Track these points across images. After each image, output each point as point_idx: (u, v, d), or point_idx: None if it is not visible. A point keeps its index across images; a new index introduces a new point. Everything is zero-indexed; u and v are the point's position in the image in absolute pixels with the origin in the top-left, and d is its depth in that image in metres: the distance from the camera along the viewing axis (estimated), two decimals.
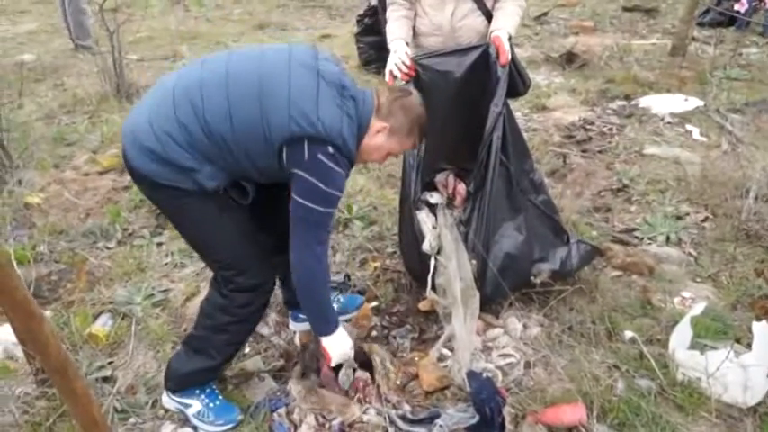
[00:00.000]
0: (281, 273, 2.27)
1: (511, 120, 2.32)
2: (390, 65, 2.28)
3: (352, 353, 2.01)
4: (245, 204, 1.84)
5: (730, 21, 6.31)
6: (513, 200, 2.30)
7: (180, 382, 2.00)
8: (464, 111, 2.32)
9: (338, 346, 1.94)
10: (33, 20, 8.81)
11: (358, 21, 5.70)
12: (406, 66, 2.24)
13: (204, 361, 1.96)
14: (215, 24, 7.97)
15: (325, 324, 1.92)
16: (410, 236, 2.35)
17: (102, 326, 2.42)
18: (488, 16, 2.36)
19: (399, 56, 2.25)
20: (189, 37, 7.28)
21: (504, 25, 2.24)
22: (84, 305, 2.56)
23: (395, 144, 1.85)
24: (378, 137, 1.81)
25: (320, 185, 1.67)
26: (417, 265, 2.37)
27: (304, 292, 1.84)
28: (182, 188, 1.70)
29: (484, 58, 2.21)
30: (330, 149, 1.66)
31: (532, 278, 2.33)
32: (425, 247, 2.27)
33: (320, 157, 1.65)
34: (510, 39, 2.23)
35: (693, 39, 5.82)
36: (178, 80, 1.73)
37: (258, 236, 1.94)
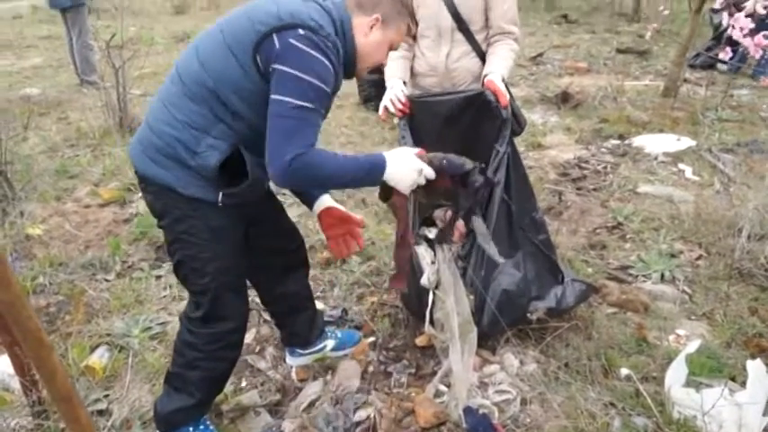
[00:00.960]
0: (278, 321, 2.32)
1: (516, 160, 2.36)
2: (385, 100, 2.35)
3: (422, 174, 1.72)
4: (249, 185, 1.67)
5: (721, 63, 6.49)
6: (514, 237, 2.33)
7: (166, 423, 1.97)
8: (458, 151, 2.38)
9: (400, 177, 1.70)
10: (39, 54, 9.00)
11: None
12: (401, 102, 2.31)
13: (185, 399, 1.93)
14: None
15: (367, 175, 1.68)
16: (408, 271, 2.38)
17: (98, 358, 2.42)
18: (483, 58, 2.44)
19: (395, 92, 2.32)
20: None
21: (498, 68, 2.31)
22: (81, 337, 2.56)
23: (393, 33, 1.75)
24: (374, 33, 1.71)
25: (296, 72, 1.51)
26: (415, 300, 2.39)
27: (311, 187, 1.75)
28: (185, 195, 1.67)
29: (478, 101, 2.27)
30: (300, 31, 1.53)
31: (529, 315, 2.35)
32: (424, 281, 2.29)
33: (291, 41, 1.52)
34: (504, 81, 2.30)
35: (685, 80, 5.98)
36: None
37: (244, 278, 1.96)
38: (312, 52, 1.53)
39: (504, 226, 2.29)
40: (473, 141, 2.30)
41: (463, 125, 2.32)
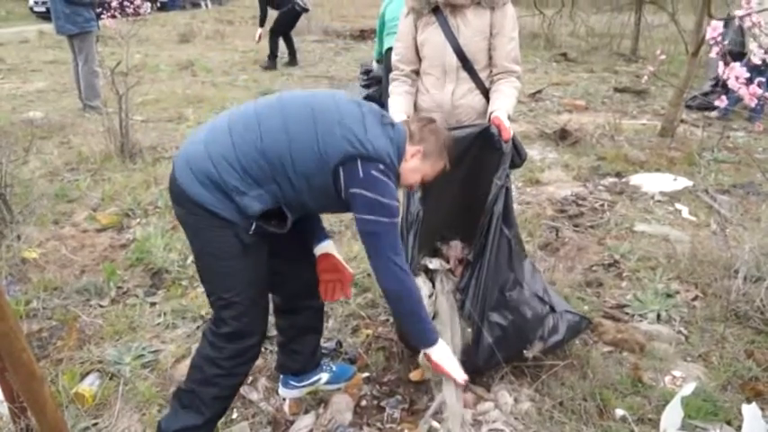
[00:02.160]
0: (284, 336, 2.30)
1: (510, 194, 2.39)
2: None
3: (453, 376, 2.03)
4: (282, 232, 1.85)
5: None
6: (514, 271, 2.33)
7: None
8: (461, 184, 2.40)
9: (446, 355, 2.00)
10: (44, 78, 9.08)
11: (363, 86, 5.85)
12: None
13: (193, 417, 1.93)
14: (220, 90, 8.22)
15: (422, 337, 2.00)
16: None
17: (89, 385, 2.39)
18: (486, 95, 2.48)
19: None
20: (195, 100, 7.51)
21: (502, 106, 2.35)
22: (72, 363, 2.54)
23: (428, 167, 2.00)
24: (413, 161, 1.94)
25: (380, 198, 1.78)
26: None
27: (397, 305, 1.96)
28: (220, 216, 1.76)
29: (483, 136, 2.30)
30: (381, 166, 1.80)
31: (525, 352, 2.33)
32: None
33: (374, 173, 1.78)
34: (508, 118, 2.34)
35: (682, 121, 6.05)
36: (231, 115, 1.88)
37: (268, 292, 2.02)
38: (388, 182, 1.82)
39: (504, 259, 2.29)
40: (476, 174, 2.33)
41: (468, 159, 2.35)
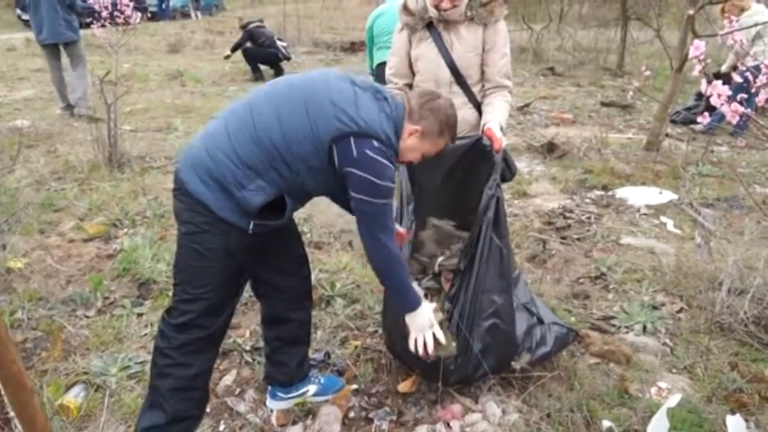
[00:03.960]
0: (271, 347, 2.30)
1: (502, 204, 2.40)
2: None
3: (432, 328, 2.07)
4: (281, 223, 1.88)
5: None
6: (503, 280, 2.35)
7: None
8: (454, 196, 2.42)
9: (416, 322, 2.04)
10: (31, 87, 9.03)
11: None
12: None
13: (158, 416, 1.94)
14: (210, 100, 8.21)
15: (405, 303, 2.04)
16: (394, 314, 2.37)
17: (74, 397, 2.37)
18: (479, 108, 2.52)
19: None
20: (184, 110, 7.49)
21: (495, 118, 2.38)
22: (57, 375, 2.51)
23: (428, 145, 1.98)
24: (411, 139, 1.93)
25: (373, 179, 1.78)
26: (399, 345, 2.38)
27: (383, 276, 1.98)
28: (217, 215, 1.78)
29: (475, 148, 2.33)
30: (375, 143, 1.78)
31: (513, 363, 2.34)
32: None
33: (367, 152, 1.76)
34: (501, 129, 2.37)
35: (667, 135, 6.13)
36: (226, 111, 1.91)
37: (234, 295, 2.04)
38: (383, 161, 1.80)
39: (494, 268, 2.30)
40: (468, 184, 2.35)
41: (460, 169, 2.37)
